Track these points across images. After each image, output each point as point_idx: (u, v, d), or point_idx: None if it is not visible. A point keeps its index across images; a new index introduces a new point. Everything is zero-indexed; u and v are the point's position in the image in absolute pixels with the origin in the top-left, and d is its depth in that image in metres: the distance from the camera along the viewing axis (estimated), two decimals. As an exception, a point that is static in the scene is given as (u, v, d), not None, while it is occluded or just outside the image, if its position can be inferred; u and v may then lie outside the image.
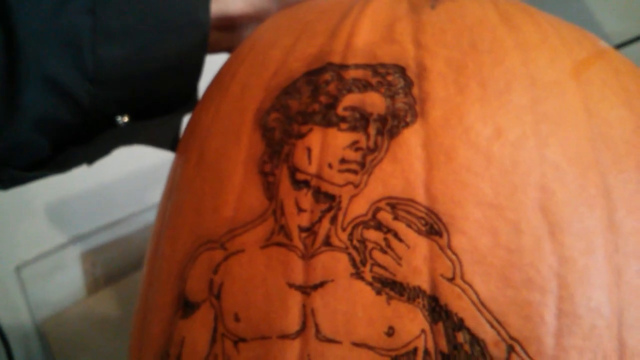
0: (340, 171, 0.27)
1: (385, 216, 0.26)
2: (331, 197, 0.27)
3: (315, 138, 0.28)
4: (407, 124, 0.27)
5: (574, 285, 0.25)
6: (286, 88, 0.30)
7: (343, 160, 0.27)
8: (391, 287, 0.25)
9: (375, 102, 0.28)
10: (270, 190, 0.28)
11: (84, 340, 0.76)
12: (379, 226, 0.26)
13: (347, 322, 0.25)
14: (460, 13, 0.30)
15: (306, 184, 0.28)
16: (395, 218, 0.26)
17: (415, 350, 0.25)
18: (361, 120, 0.28)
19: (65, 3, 0.33)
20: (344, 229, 0.26)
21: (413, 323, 0.25)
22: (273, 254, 0.27)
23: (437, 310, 0.25)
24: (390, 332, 0.25)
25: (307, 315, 0.26)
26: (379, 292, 0.25)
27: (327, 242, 0.26)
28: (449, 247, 0.25)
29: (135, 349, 0.34)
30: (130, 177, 0.84)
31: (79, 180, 0.77)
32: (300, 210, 0.27)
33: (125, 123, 0.39)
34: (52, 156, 0.38)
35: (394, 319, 0.25)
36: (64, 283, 0.79)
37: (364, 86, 0.28)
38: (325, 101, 0.29)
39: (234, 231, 0.29)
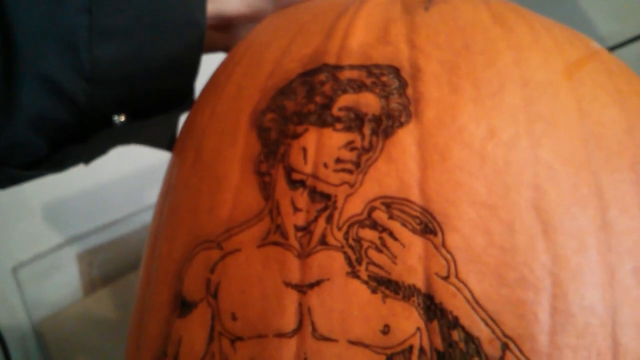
0: (336, 171, 0.27)
1: (381, 215, 0.26)
2: (327, 197, 0.27)
3: (310, 138, 0.28)
4: (401, 124, 0.27)
5: (567, 284, 0.25)
6: (282, 88, 0.30)
7: (338, 160, 0.27)
8: (386, 285, 0.25)
9: (369, 102, 0.28)
10: (267, 190, 0.29)
11: (81, 341, 0.76)
12: (374, 225, 0.26)
13: (343, 321, 0.26)
14: (453, 14, 0.31)
15: (302, 183, 0.28)
16: (390, 217, 0.26)
17: (410, 348, 0.25)
18: (356, 120, 0.28)
19: (61, 2, 0.33)
20: (339, 228, 0.27)
21: (408, 321, 0.25)
22: (269, 253, 0.28)
23: (432, 309, 0.25)
24: (386, 330, 0.25)
25: (304, 313, 0.26)
26: (374, 291, 0.25)
27: (323, 241, 0.27)
28: (444, 245, 0.25)
29: (133, 348, 0.34)
30: (127, 178, 0.84)
31: (75, 180, 0.77)
32: (296, 209, 0.28)
33: (122, 122, 0.39)
34: (49, 155, 0.38)
35: (389, 317, 0.25)
36: (60, 283, 0.79)
37: (359, 87, 0.29)
38: (320, 101, 0.29)
39: (231, 231, 0.29)
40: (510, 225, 0.25)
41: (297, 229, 0.27)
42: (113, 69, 0.35)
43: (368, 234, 0.26)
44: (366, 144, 0.27)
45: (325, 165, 0.27)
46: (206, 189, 0.31)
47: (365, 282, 0.26)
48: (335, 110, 0.28)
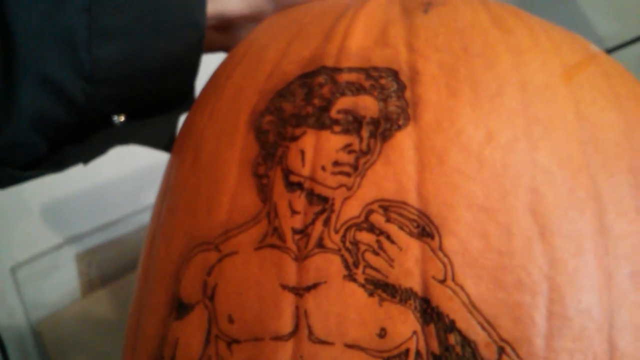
0: (334, 174, 0.27)
1: (378, 218, 0.26)
2: (324, 200, 0.27)
3: (308, 141, 0.28)
4: (399, 127, 0.27)
5: (564, 287, 0.25)
6: (280, 90, 0.30)
7: (336, 163, 0.27)
8: (383, 288, 0.25)
9: (368, 105, 0.28)
10: (264, 192, 0.29)
11: (80, 341, 0.76)
12: (372, 228, 0.26)
13: (340, 324, 0.26)
14: (452, 17, 0.31)
15: (300, 186, 0.28)
16: (388, 220, 0.26)
17: (407, 351, 0.25)
18: (354, 123, 0.28)
19: (61, 2, 0.33)
20: (336, 231, 0.27)
21: (405, 325, 0.25)
22: (266, 256, 0.28)
23: (429, 312, 0.25)
24: (382, 333, 0.25)
25: (300, 316, 0.26)
26: (371, 294, 0.25)
27: (320, 244, 0.27)
28: (441, 249, 0.25)
29: (130, 349, 0.34)
30: (126, 178, 0.84)
31: (74, 180, 0.77)
32: (294, 212, 0.28)
33: (121, 122, 0.39)
34: (48, 155, 0.38)
35: (386, 321, 0.25)
36: (59, 284, 0.79)
37: (357, 89, 0.29)
38: (318, 104, 0.29)
39: (228, 233, 0.29)
40: (507, 228, 0.25)
41: (295, 231, 0.27)
42: (112, 69, 0.35)
43: (365, 237, 0.26)
44: (364, 146, 0.27)
45: (323, 168, 0.28)
46: (204, 190, 0.31)
47: (362, 285, 0.26)
48: (333, 113, 0.28)
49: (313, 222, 0.27)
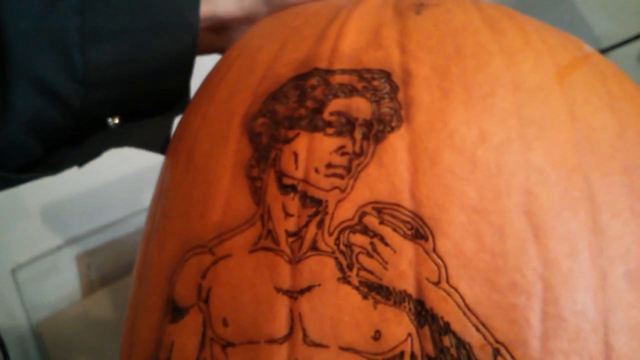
0: (327, 176, 0.27)
1: (372, 220, 0.26)
2: (318, 202, 0.27)
3: (301, 143, 0.28)
4: (392, 129, 0.27)
5: (558, 288, 0.24)
6: (273, 93, 0.30)
7: (329, 165, 0.27)
8: (377, 291, 0.25)
9: (361, 107, 0.28)
10: (258, 194, 0.28)
11: (80, 342, 0.76)
12: (365, 230, 0.26)
13: (334, 327, 0.25)
14: (444, 18, 0.30)
15: (293, 188, 0.27)
16: (381, 222, 0.26)
17: (401, 354, 0.24)
18: (347, 125, 0.27)
19: (53, 4, 0.32)
20: (330, 234, 0.26)
21: (399, 327, 0.24)
22: (260, 259, 0.27)
23: (423, 314, 0.24)
24: (377, 336, 0.25)
25: (295, 319, 0.26)
26: (365, 297, 0.25)
27: (314, 247, 0.26)
28: (434, 251, 0.25)
29: (126, 352, 0.34)
30: (125, 179, 0.84)
31: (73, 182, 0.77)
32: (287, 214, 0.27)
33: (116, 125, 0.39)
34: (43, 158, 0.38)
35: (380, 323, 0.25)
36: (59, 285, 0.79)
37: (350, 91, 0.28)
38: (311, 106, 0.28)
39: (222, 236, 0.29)
40: (501, 229, 0.25)
41: (288, 234, 0.27)
42: (106, 71, 0.35)
43: (359, 239, 0.26)
44: (357, 148, 0.27)
45: (317, 170, 0.27)
46: (197, 193, 0.31)
47: (356, 288, 0.25)
48: (326, 115, 0.28)
49: (307, 224, 0.27)
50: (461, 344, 0.24)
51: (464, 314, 0.24)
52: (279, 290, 0.26)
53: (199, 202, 0.30)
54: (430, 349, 0.24)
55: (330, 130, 0.28)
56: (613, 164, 0.27)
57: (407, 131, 0.27)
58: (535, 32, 0.31)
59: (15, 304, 0.76)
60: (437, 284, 0.24)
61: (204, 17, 0.39)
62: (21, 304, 0.76)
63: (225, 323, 0.27)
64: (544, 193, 0.26)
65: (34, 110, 0.34)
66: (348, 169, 0.27)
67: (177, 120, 0.39)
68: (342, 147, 0.27)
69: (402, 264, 0.25)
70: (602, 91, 0.29)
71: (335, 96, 0.28)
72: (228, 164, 0.30)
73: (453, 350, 0.24)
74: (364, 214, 0.26)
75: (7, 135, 0.34)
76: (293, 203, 0.27)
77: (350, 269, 0.25)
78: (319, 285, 0.26)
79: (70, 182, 0.75)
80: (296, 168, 0.28)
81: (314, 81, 0.29)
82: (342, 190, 0.26)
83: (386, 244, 0.25)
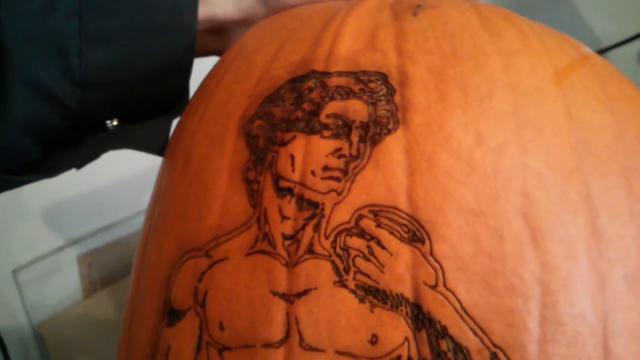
0: (323, 178, 0.27)
1: (368, 223, 0.25)
2: (314, 205, 0.26)
3: (298, 145, 0.28)
4: (389, 131, 0.26)
5: (557, 292, 0.24)
6: (270, 95, 0.30)
7: (326, 168, 0.27)
8: (374, 294, 0.25)
9: (357, 109, 0.27)
10: (254, 197, 0.28)
11: (81, 343, 0.75)
12: (362, 234, 0.25)
13: (331, 331, 0.25)
14: (441, 20, 0.30)
15: (289, 191, 0.27)
16: (378, 225, 0.25)
17: (398, 358, 0.24)
18: (344, 127, 0.27)
19: (51, 7, 0.32)
20: (327, 237, 0.26)
21: (396, 331, 0.24)
22: (257, 262, 0.27)
23: (420, 318, 0.24)
24: (374, 340, 0.24)
25: (291, 323, 0.25)
26: (362, 300, 0.25)
27: (311, 250, 0.26)
28: (431, 254, 0.24)
29: (123, 355, 0.33)
30: (126, 180, 0.83)
31: (74, 183, 0.77)
32: (284, 217, 0.27)
33: (114, 127, 0.39)
34: (41, 160, 0.38)
35: (377, 327, 0.24)
36: (60, 286, 0.78)
37: (347, 93, 0.28)
38: (308, 108, 0.28)
39: (218, 239, 0.28)
40: (498, 232, 0.25)
41: (285, 237, 0.27)
42: (104, 74, 0.35)
43: (356, 242, 0.25)
44: (354, 151, 0.27)
45: (313, 173, 0.27)
46: (194, 196, 0.30)
47: (353, 292, 0.25)
48: (323, 117, 0.28)
49: (303, 227, 0.26)
50: (458, 348, 0.24)
51: (461, 317, 0.24)
52: (275, 293, 0.26)
53: (196, 204, 0.30)
54: (427, 353, 0.24)
55: (326, 133, 0.27)
56: (611, 166, 0.27)
57: (404, 133, 0.26)
58: (533, 33, 0.30)
59: (16, 305, 0.75)
60: (434, 287, 0.24)
61: (201, 20, 0.39)
62: (22, 305, 0.76)
63: (221, 327, 0.27)
64: (542, 196, 0.25)
65: (31, 113, 0.34)
66: (345, 172, 0.26)
67: (175, 122, 0.39)
68: (338, 149, 0.27)
69: (399, 268, 0.25)
70: (600, 93, 0.29)
71: (332, 98, 0.28)
72: (225, 167, 0.30)
73: (450, 355, 0.24)
74: (360, 217, 0.25)
75: (4, 137, 0.34)
76: (289, 206, 0.27)
77: (347, 273, 0.25)
78: (316, 288, 0.25)
79: (72, 183, 0.75)
80: (293, 171, 0.27)
81: (310, 83, 0.29)
82: (339, 193, 0.26)
83: (383, 247, 0.25)
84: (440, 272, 0.24)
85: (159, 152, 0.43)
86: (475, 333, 0.24)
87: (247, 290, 0.26)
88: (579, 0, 0.73)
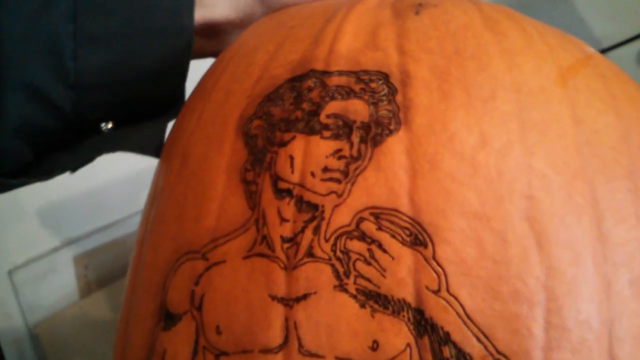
0: (323, 180, 0.26)
1: (369, 226, 0.25)
2: (314, 207, 0.26)
3: (297, 146, 0.27)
4: (390, 132, 0.26)
5: (562, 298, 0.23)
6: (269, 95, 0.29)
7: (326, 169, 0.26)
8: (375, 299, 0.24)
9: (358, 109, 0.26)
10: (253, 199, 0.27)
11: (77, 343, 0.75)
12: (363, 237, 0.25)
13: (331, 336, 0.24)
14: (444, 19, 0.29)
15: (289, 193, 0.26)
16: (379, 228, 0.24)
17: (400, 364, 0.23)
18: (344, 127, 0.26)
19: (46, 8, 0.31)
20: (327, 240, 0.25)
21: (398, 337, 0.23)
22: (255, 265, 0.26)
23: (423, 324, 0.23)
24: (375, 346, 0.23)
25: (290, 328, 0.25)
26: (363, 305, 0.24)
27: (310, 253, 0.25)
28: (434, 258, 0.24)
29: (118, 359, 0.33)
30: (123, 180, 0.83)
31: (71, 183, 0.76)
32: (283, 220, 0.26)
33: (109, 129, 0.38)
34: (35, 163, 0.37)
35: (378, 333, 0.24)
36: (56, 286, 0.78)
37: (347, 93, 0.27)
38: (308, 108, 0.27)
39: (216, 241, 0.27)
40: (502, 236, 0.24)
41: (284, 240, 0.26)
42: (99, 76, 0.34)
43: (356, 245, 0.24)
44: (354, 152, 0.26)
45: (313, 174, 0.26)
46: (191, 197, 0.30)
47: (354, 296, 0.24)
48: (323, 118, 0.27)
49: (302, 230, 0.26)
50: (462, 354, 0.23)
51: (465, 323, 0.23)
52: (273, 297, 0.25)
53: (193, 206, 0.29)
54: (429, 359, 0.23)
55: (327, 133, 0.26)
56: (617, 169, 0.26)
57: (405, 134, 0.26)
58: (537, 33, 0.29)
59: (12, 306, 0.75)
60: (436, 292, 0.23)
61: (198, 22, 0.38)
62: (18, 306, 0.75)
63: (218, 331, 0.26)
64: (547, 199, 0.24)
65: (24, 115, 0.33)
66: (345, 173, 0.25)
67: (171, 124, 0.38)
68: (339, 150, 0.26)
69: (400, 272, 0.24)
70: (605, 93, 0.28)
71: (332, 98, 0.27)
72: (223, 167, 0.29)
73: (453, 361, 0.23)
74: (361, 219, 0.25)
75: None
76: (289, 208, 0.26)
77: (347, 277, 0.24)
78: (315, 293, 0.24)
79: (68, 183, 0.74)
80: (292, 172, 0.26)
81: (310, 83, 0.28)
82: (339, 195, 0.25)
83: (384, 251, 0.24)
84: (443, 277, 0.23)
85: (156, 153, 0.42)
86: (478, 339, 0.23)
87: (245, 294, 0.26)
88: (578, 1, 0.72)
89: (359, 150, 0.26)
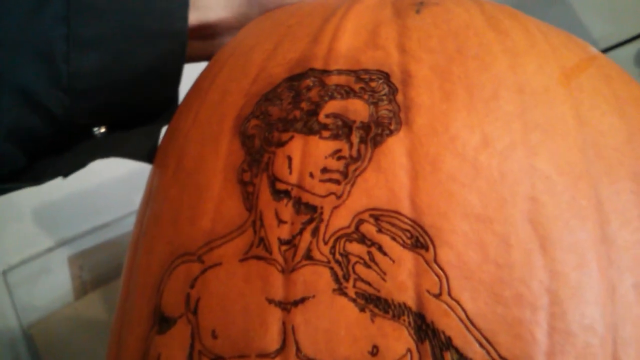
0: (322, 181, 0.25)
1: (369, 228, 0.24)
2: (312, 208, 0.25)
3: (296, 146, 0.26)
4: (391, 132, 0.25)
5: (566, 302, 0.23)
6: (266, 94, 0.28)
7: (325, 170, 0.25)
8: (375, 303, 0.23)
9: (358, 109, 0.26)
10: (250, 200, 0.26)
11: (72, 344, 0.74)
12: (363, 239, 0.24)
13: (329, 341, 0.23)
14: (445, 17, 0.28)
15: (287, 194, 0.26)
16: (380, 230, 0.24)
17: (400, 370, 0.23)
18: (344, 127, 0.26)
19: (38, 11, 0.31)
20: (325, 242, 0.24)
21: (398, 342, 0.23)
22: (252, 268, 0.25)
23: (424, 329, 0.23)
24: (375, 351, 0.23)
25: (288, 332, 0.24)
26: (362, 309, 0.23)
27: (308, 256, 0.24)
28: (436, 261, 0.23)
29: (112, 363, 0.32)
30: (118, 180, 0.82)
31: (65, 183, 0.75)
32: (281, 221, 0.25)
33: (102, 134, 0.37)
34: (27, 167, 0.36)
35: (378, 338, 0.23)
36: (51, 287, 0.77)
37: (347, 92, 0.26)
38: (306, 108, 0.27)
39: (212, 243, 0.27)
40: (505, 239, 0.23)
41: (281, 242, 0.25)
42: (92, 80, 0.33)
43: (356, 248, 0.24)
44: (354, 152, 0.25)
45: (311, 175, 0.25)
46: (187, 198, 0.29)
47: (353, 300, 0.23)
48: (322, 117, 0.26)
49: (301, 232, 0.25)
50: (464, 360, 0.22)
51: (467, 328, 0.22)
52: (271, 301, 0.24)
53: (189, 207, 0.28)
54: (430, 365, 0.22)
55: (326, 133, 0.26)
56: (621, 171, 0.25)
57: (406, 135, 0.25)
58: (539, 32, 0.29)
59: (6, 306, 0.74)
60: (438, 296, 0.23)
61: (193, 25, 0.38)
62: (12, 306, 0.74)
63: (214, 335, 0.25)
64: (551, 201, 0.24)
65: (15, 119, 0.32)
66: (344, 174, 0.25)
67: (164, 129, 0.37)
68: (338, 150, 0.25)
69: (401, 275, 0.23)
70: (609, 94, 0.28)
71: (332, 98, 0.26)
72: (219, 168, 0.28)
73: (455, 367, 0.22)
74: (361, 221, 0.24)
75: None
76: (286, 209, 0.25)
77: (347, 280, 0.24)
78: (314, 296, 0.24)
79: (62, 183, 0.73)
80: (290, 173, 0.26)
81: (309, 82, 0.27)
82: (338, 197, 0.25)
83: (384, 254, 0.23)
84: (444, 280, 0.23)
85: (148, 159, 0.41)
86: (481, 344, 0.22)
87: (242, 298, 0.25)
88: (576, 2, 0.72)
89: (358, 151, 0.25)
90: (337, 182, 0.25)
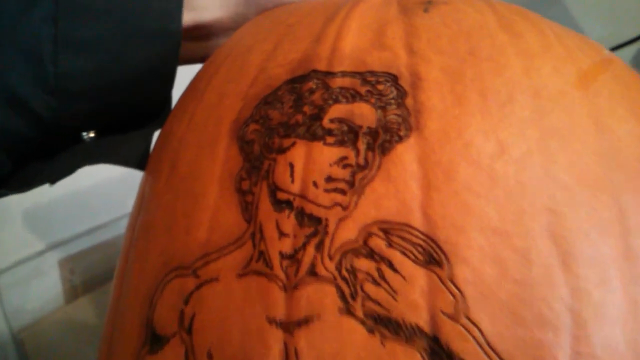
0: (327, 191, 0.23)
1: (378, 243, 0.22)
2: (317, 220, 0.23)
3: (298, 153, 0.24)
4: (400, 139, 0.23)
5: (590, 323, 0.21)
6: (266, 97, 0.26)
7: (330, 179, 0.23)
8: (386, 325, 0.21)
9: (364, 113, 0.24)
10: (249, 210, 0.24)
11: (62, 349, 0.71)
12: (371, 254, 0.22)
13: (335, 365, 0.21)
14: (455, 17, 0.26)
15: (288, 204, 0.23)
16: (389, 245, 0.21)
17: (412, 397, 0.20)
18: (349, 133, 0.23)
19: (27, 11, 0.28)
20: (331, 257, 0.22)
21: (410, 366, 0.20)
22: (251, 284, 0.23)
23: (438, 352, 0.20)
24: (385, 376, 0.21)
25: (290, 355, 0.21)
26: (371, 331, 0.21)
27: (312, 272, 0.22)
28: (451, 279, 0.21)
29: (101, 380, 0.29)
30: (110, 183, 0.79)
31: (57, 186, 0.72)
32: (282, 234, 0.23)
33: (91, 139, 0.34)
34: (12, 173, 0.33)
35: (388, 362, 0.21)
36: (41, 291, 0.74)
37: (352, 96, 0.24)
38: (309, 112, 0.24)
39: (208, 256, 0.24)
40: (525, 254, 0.21)
41: (283, 256, 0.23)
42: (80, 82, 0.31)
43: (364, 264, 0.21)
44: (361, 160, 0.23)
45: (315, 184, 0.23)
46: (181, 207, 0.26)
47: (361, 321, 0.21)
48: (326, 122, 0.24)
49: (304, 246, 0.22)
50: (481, 386, 0.20)
51: (485, 352, 0.20)
52: (271, 321, 0.22)
53: (183, 216, 0.26)
54: (445, 391, 0.20)
55: (330, 140, 0.23)
56: (644, 180, 0.23)
57: (417, 141, 0.23)
58: (554, 34, 0.27)
59: (-5, 310, 0.71)
60: (453, 317, 0.20)
61: (187, 25, 0.35)
62: (2, 310, 0.72)
63: (209, 356, 0.23)
64: (571, 213, 0.22)
65: (0, 122, 0.30)
66: (351, 184, 0.23)
67: (157, 134, 0.35)
68: (344, 158, 0.23)
69: (413, 294, 0.21)
70: (627, 99, 0.25)
71: (336, 101, 0.24)
72: (215, 175, 0.26)
73: (471, 393, 0.20)
74: (369, 235, 0.22)
75: None
76: (288, 221, 0.23)
77: (354, 299, 0.21)
78: (318, 316, 0.21)
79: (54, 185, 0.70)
80: (292, 181, 0.23)
81: (311, 84, 0.25)
82: (345, 208, 0.22)
83: (395, 271, 0.21)
84: (460, 300, 0.20)
85: (140, 166, 0.38)
86: (500, 369, 0.20)
87: (240, 317, 0.23)
88: (572, 4, 0.70)
89: (365, 158, 0.23)
90: (343, 192, 0.22)
